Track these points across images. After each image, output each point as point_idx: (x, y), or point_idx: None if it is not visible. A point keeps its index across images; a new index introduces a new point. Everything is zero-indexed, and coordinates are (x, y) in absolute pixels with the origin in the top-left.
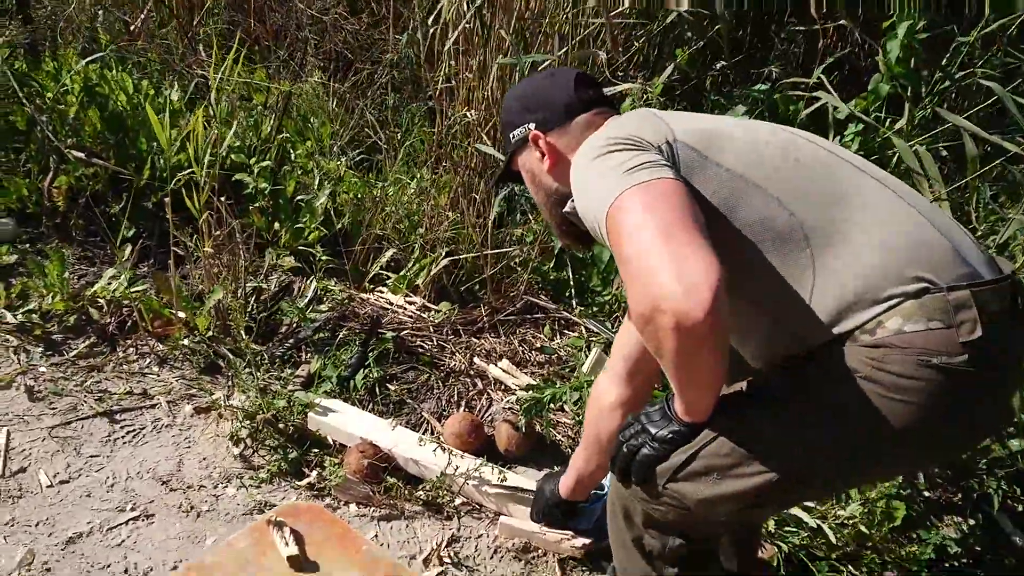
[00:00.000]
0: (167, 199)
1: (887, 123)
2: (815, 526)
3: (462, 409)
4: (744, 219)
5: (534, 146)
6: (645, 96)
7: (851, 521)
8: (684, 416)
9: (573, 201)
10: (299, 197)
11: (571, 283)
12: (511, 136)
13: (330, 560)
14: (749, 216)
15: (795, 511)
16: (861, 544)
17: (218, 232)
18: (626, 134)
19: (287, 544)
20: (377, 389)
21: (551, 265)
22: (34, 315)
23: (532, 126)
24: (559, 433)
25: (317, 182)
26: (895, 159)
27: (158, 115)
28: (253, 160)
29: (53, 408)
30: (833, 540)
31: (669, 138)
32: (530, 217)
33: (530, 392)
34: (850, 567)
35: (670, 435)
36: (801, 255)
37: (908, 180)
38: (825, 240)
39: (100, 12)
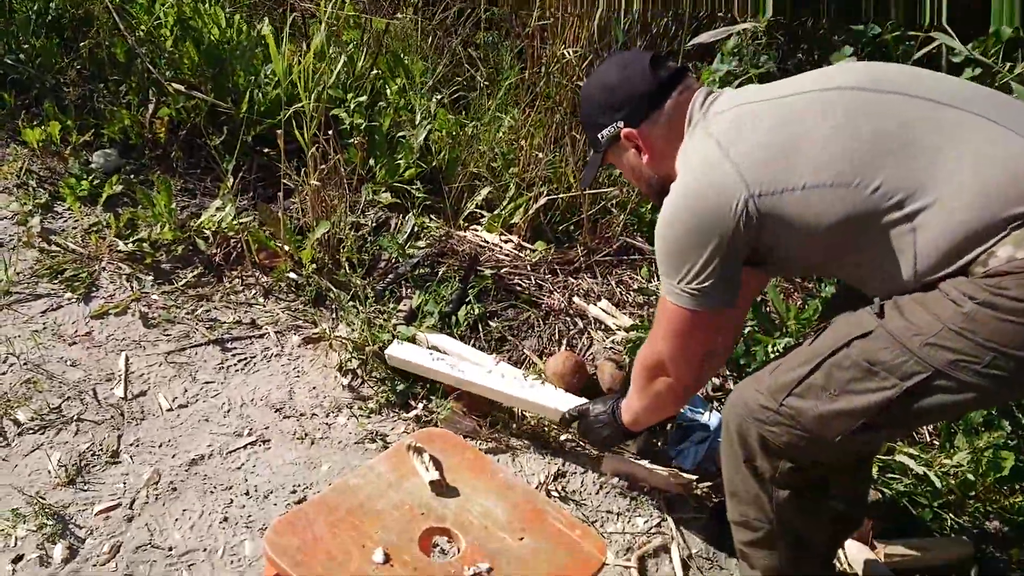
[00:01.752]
0: (279, 131)
1: (1007, 68)
2: (921, 473)
3: (563, 348)
4: (831, 219)
5: (627, 142)
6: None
7: (957, 470)
8: (630, 427)
9: None
10: (394, 134)
11: None
12: (600, 136)
13: (467, 484)
14: (836, 213)
15: (901, 457)
16: (965, 493)
17: (323, 166)
18: (702, 206)
19: (428, 469)
20: (479, 326)
21: (649, 207)
22: (144, 244)
23: (621, 124)
24: None
25: (419, 118)
26: None
27: (255, 49)
28: (350, 96)
29: (167, 335)
30: (938, 485)
31: (742, 192)
32: None
33: (633, 332)
34: (952, 515)
35: (611, 433)
36: (896, 222)
37: None
38: (920, 199)
39: None
